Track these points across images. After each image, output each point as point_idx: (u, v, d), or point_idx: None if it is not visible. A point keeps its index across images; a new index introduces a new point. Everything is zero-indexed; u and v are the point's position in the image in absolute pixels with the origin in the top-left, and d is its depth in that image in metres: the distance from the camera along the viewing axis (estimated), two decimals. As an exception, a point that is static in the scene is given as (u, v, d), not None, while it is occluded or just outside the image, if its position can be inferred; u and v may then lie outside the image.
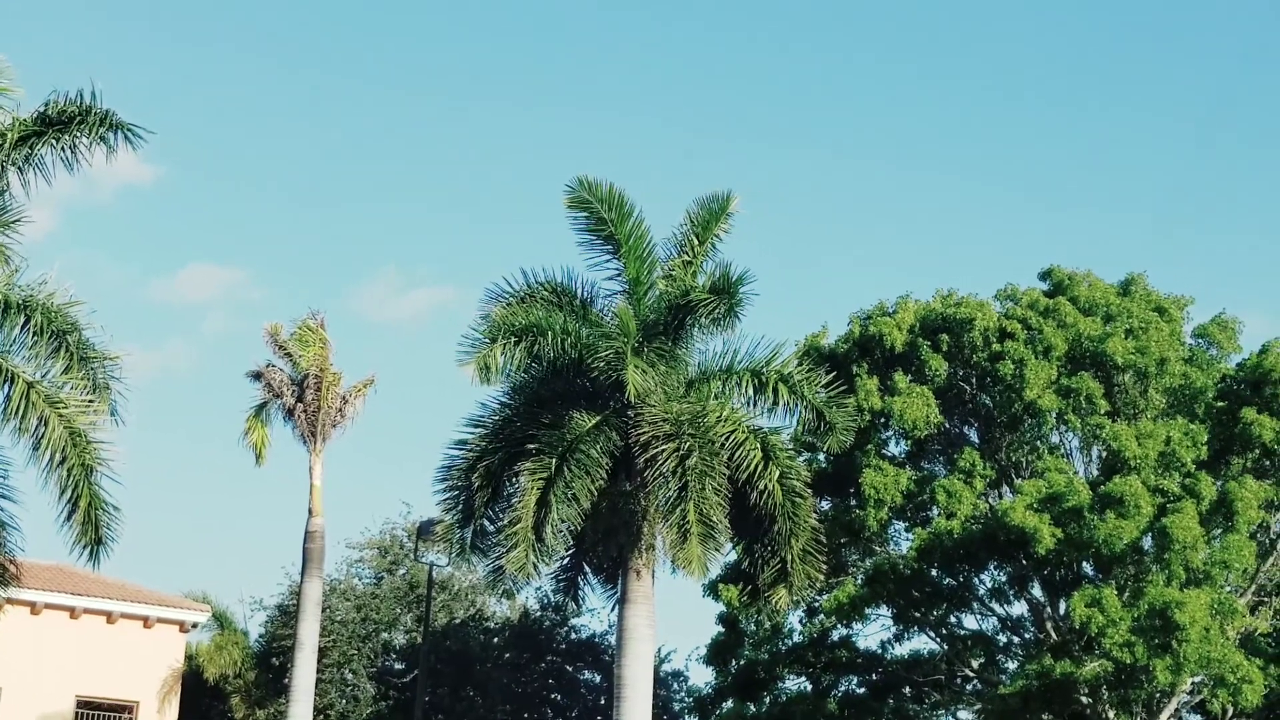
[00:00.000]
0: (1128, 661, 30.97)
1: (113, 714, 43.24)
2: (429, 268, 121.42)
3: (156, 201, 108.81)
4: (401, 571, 51.26)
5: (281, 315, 36.95)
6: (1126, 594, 32.68)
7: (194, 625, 45.79)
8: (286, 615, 48.21)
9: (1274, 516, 35.37)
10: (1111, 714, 35.72)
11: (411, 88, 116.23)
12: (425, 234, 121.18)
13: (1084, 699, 34.80)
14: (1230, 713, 36.06)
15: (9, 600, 29.34)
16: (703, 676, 61.16)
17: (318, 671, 40.30)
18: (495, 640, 51.85)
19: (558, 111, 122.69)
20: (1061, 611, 36.08)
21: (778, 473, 27.77)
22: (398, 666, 50.68)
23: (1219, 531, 33.09)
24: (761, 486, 27.56)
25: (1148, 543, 33.09)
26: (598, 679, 52.09)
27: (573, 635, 52.78)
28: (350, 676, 49.46)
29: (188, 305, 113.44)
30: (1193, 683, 33.62)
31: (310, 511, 35.32)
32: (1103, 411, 35.16)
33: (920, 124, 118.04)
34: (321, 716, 46.21)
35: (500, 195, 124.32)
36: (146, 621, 43.29)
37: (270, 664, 49.28)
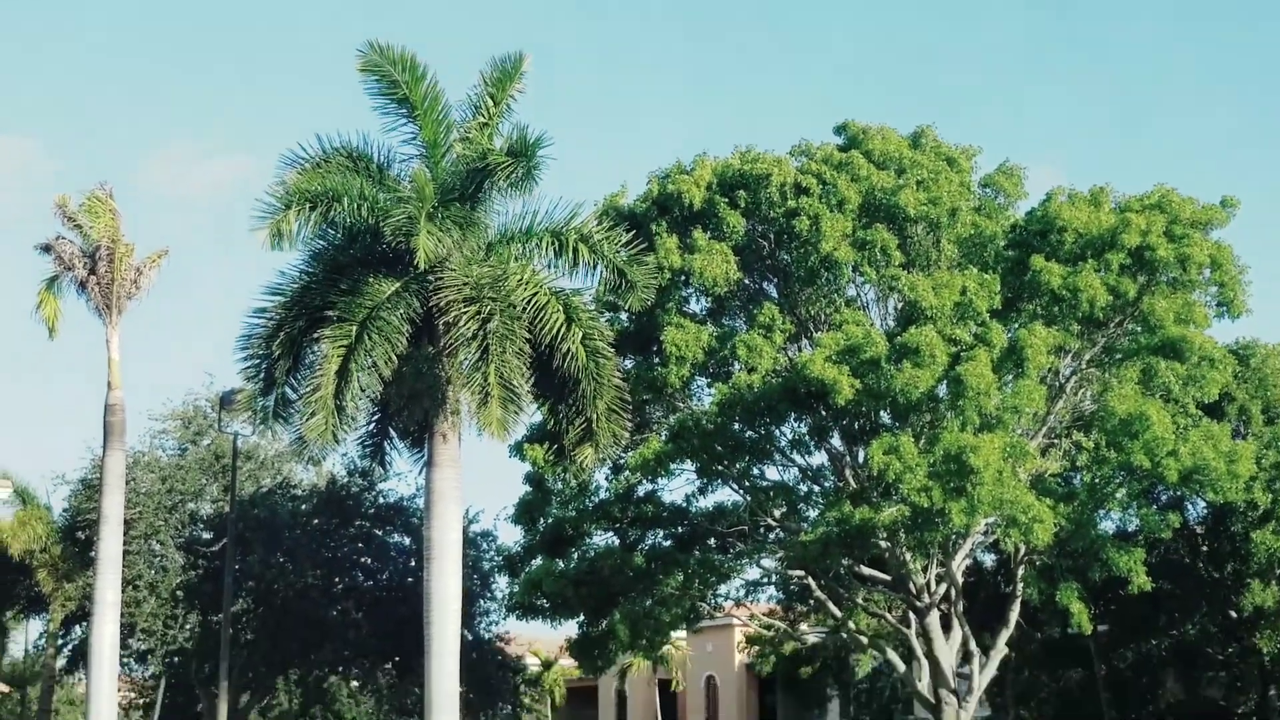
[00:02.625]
0: (925, 505, 31.73)
1: (-88, 594, 42.55)
2: (224, 138, 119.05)
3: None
4: (206, 442, 50.85)
5: (76, 188, 35.95)
6: (922, 441, 33.42)
7: (-4, 502, 45.05)
8: (90, 489, 47.69)
9: (1062, 361, 36.35)
10: (908, 556, 36.80)
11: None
12: (220, 103, 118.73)
13: (882, 543, 35.75)
14: (1022, 551, 37.32)
15: None
16: (512, 536, 61.70)
17: (125, 543, 39.98)
18: (303, 507, 51.78)
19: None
20: (860, 460, 36.85)
21: (580, 334, 28.02)
22: (205, 536, 50.44)
23: (1010, 378, 33.92)
24: (565, 348, 27.79)
25: (942, 390, 33.84)
26: (407, 541, 52.30)
27: (380, 499, 52.86)
28: (158, 547, 49.19)
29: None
30: (986, 524, 34.61)
31: (109, 385, 34.76)
32: (897, 263, 35.69)
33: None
34: (130, 588, 45.94)
35: (296, 61, 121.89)
36: (-55, 500, 42.41)
37: (76, 538, 48.87)
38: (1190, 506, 41.85)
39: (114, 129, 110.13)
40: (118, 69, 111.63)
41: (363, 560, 52.75)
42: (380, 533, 52.87)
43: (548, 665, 73.80)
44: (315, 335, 27.85)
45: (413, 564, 50.71)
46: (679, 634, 53.54)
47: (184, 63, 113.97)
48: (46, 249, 34.67)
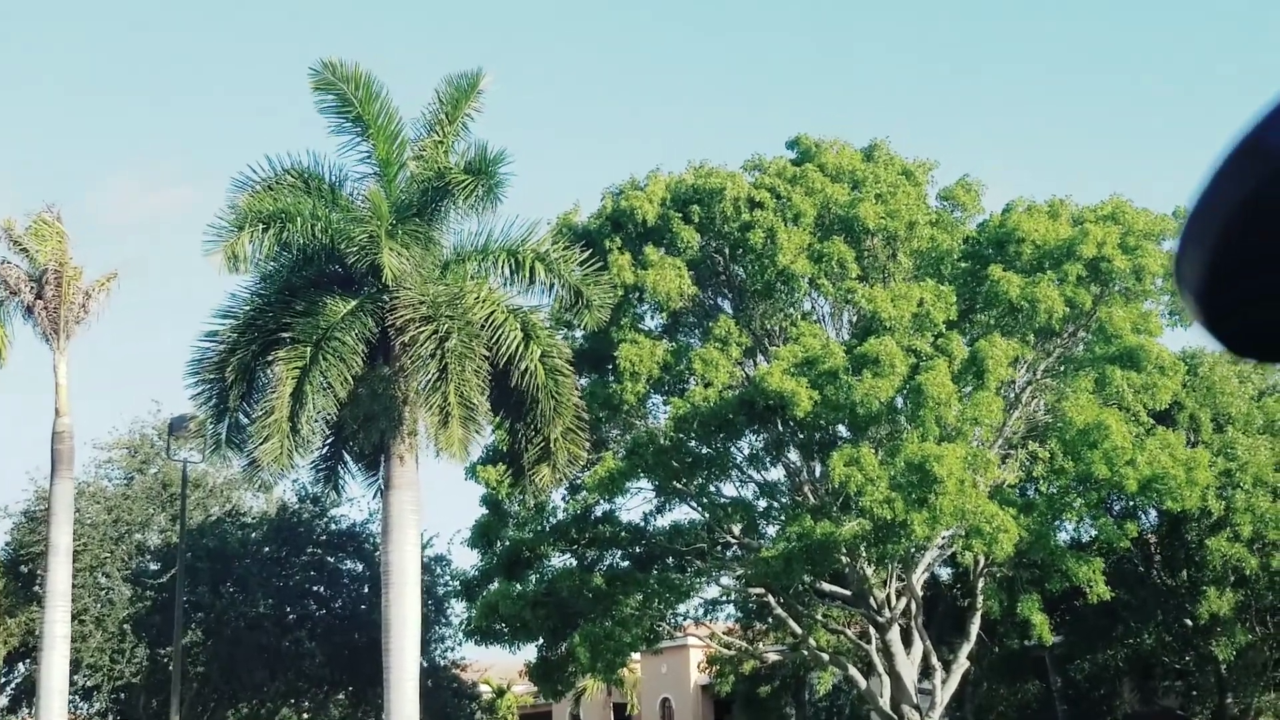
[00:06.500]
0: (888, 518, 31.57)
1: None
2: (169, 167, 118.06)
3: None
4: (153, 471, 50.28)
5: (21, 212, 35.39)
6: (882, 453, 33.30)
7: (-64, 537, 44.37)
8: (34, 522, 47.13)
9: (1018, 372, 36.33)
10: (869, 571, 36.62)
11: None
12: (165, 132, 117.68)
13: (843, 558, 35.54)
14: (982, 564, 37.20)
15: None
16: (467, 560, 61.24)
17: (71, 576, 39.35)
18: (254, 535, 51.28)
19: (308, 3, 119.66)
20: (818, 473, 36.70)
21: (539, 352, 27.84)
22: (153, 567, 49.85)
23: (969, 389, 33.84)
24: (524, 367, 27.60)
25: (901, 402, 33.69)
26: (360, 568, 51.91)
27: (332, 526, 52.42)
28: (104, 580, 48.59)
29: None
30: (945, 536, 34.46)
31: (57, 411, 34.19)
32: (853, 276, 35.64)
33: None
34: (75, 621, 45.27)
35: (240, 92, 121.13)
36: (-115, 536, 41.70)
37: (19, 572, 48.19)
38: (1143, 515, 41.92)
39: (53, 162, 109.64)
40: (56, 101, 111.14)
41: (315, 588, 52.27)
42: (332, 560, 52.41)
43: (501, 693, 73.30)
44: (269, 358, 27.58)
45: (366, 591, 50.32)
46: (633, 655, 53.25)
47: (124, 94, 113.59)
48: (-9, 274, 34.12)
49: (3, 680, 51.71)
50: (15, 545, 49.40)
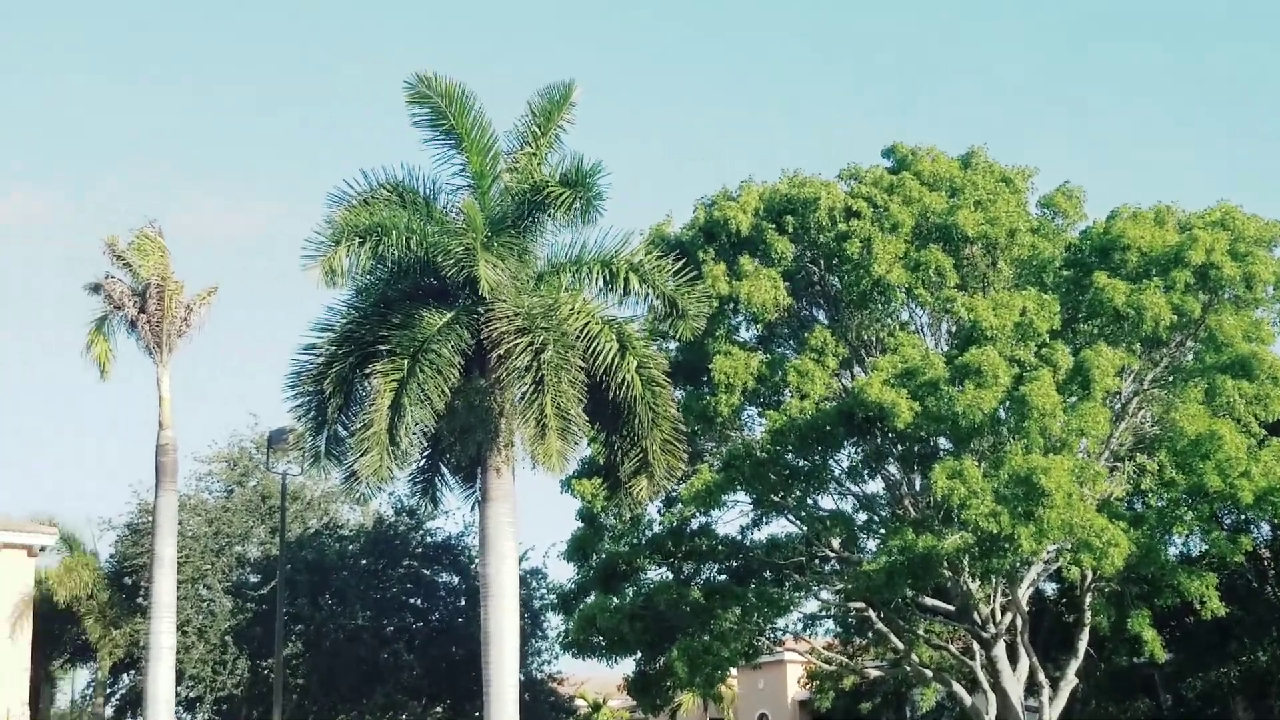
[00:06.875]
0: (994, 531, 30.93)
1: (-38, 642, 42.32)
2: (260, 183, 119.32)
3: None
4: (252, 483, 50.55)
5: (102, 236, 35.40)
6: (985, 465, 32.69)
7: (42, 549, 44.88)
8: (137, 534, 47.50)
9: (1124, 382, 35.61)
10: (974, 585, 35.99)
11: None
12: (255, 147, 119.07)
13: (946, 572, 34.96)
14: (1090, 579, 36.46)
15: None
16: (563, 573, 61.19)
17: (175, 588, 39.63)
18: (350, 548, 51.38)
19: (390, 20, 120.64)
20: (919, 486, 36.18)
21: (635, 363, 27.48)
22: (254, 579, 50.07)
23: (1074, 399, 33.18)
24: (620, 378, 27.23)
25: (1002, 413, 33.06)
26: (456, 580, 51.89)
27: (428, 539, 52.42)
28: (205, 591, 48.87)
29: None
30: (1052, 550, 33.79)
31: (161, 424, 34.22)
32: (952, 284, 35.13)
33: (754, 9, 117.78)
34: (180, 633, 45.57)
35: (321, 109, 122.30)
36: (-8, 547, 42.33)
37: (123, 584, 48.63)
38: (1255, 529, 40.92)
39: (139, 179, 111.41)
40: (141, 118, 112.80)
41: (412, 601, 52.26)
42: (428, 572, 52.40)
43: (597, 706, 73.11)
44: (366, 370, 27.38)
45: (462, 604, 50.27)
46: (731, 670, 52.87)
47: (208, 112, 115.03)
48: (96, 288, 34.26)
49: (109, 691, 52.17)
50: (119, 557, 49.82)
